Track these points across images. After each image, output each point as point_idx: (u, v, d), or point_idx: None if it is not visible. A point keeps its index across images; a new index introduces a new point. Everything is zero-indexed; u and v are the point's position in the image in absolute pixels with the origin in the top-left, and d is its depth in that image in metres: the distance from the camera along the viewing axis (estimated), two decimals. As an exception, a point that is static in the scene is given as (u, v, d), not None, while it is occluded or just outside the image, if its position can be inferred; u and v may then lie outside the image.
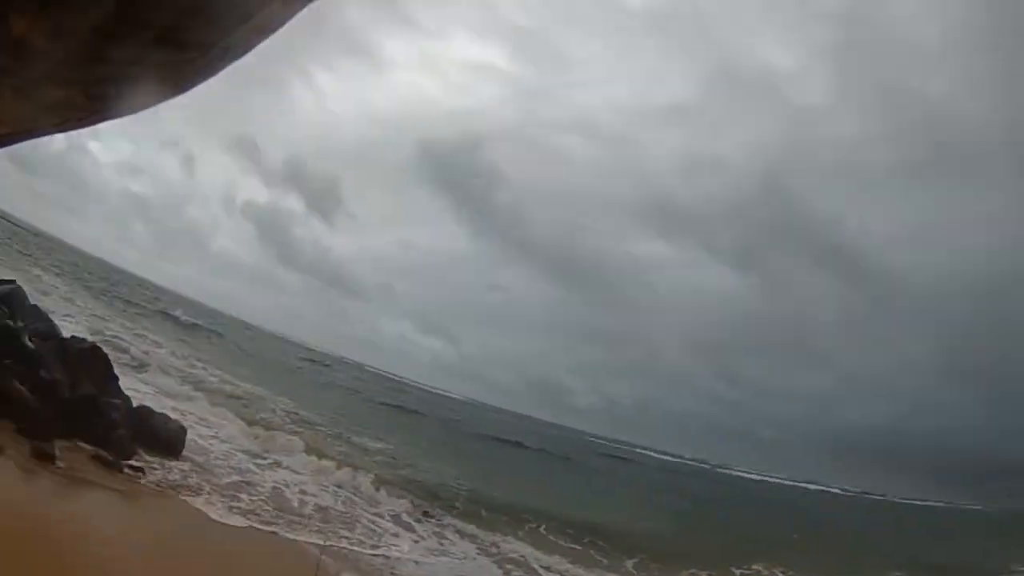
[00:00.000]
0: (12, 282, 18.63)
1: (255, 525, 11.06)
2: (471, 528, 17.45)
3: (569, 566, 16.74)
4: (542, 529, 19.42)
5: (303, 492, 14.77)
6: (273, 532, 11.21)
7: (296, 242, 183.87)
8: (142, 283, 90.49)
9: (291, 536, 11.29)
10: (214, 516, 10.61)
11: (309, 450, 18.91)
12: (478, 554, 15.61)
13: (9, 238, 50.87)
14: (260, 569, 9.74)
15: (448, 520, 17.51)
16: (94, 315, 29.73)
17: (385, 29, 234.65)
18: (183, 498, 10.71)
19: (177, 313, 51.93)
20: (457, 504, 19.51)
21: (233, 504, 11.63)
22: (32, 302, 18.68)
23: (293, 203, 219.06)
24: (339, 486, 16.64)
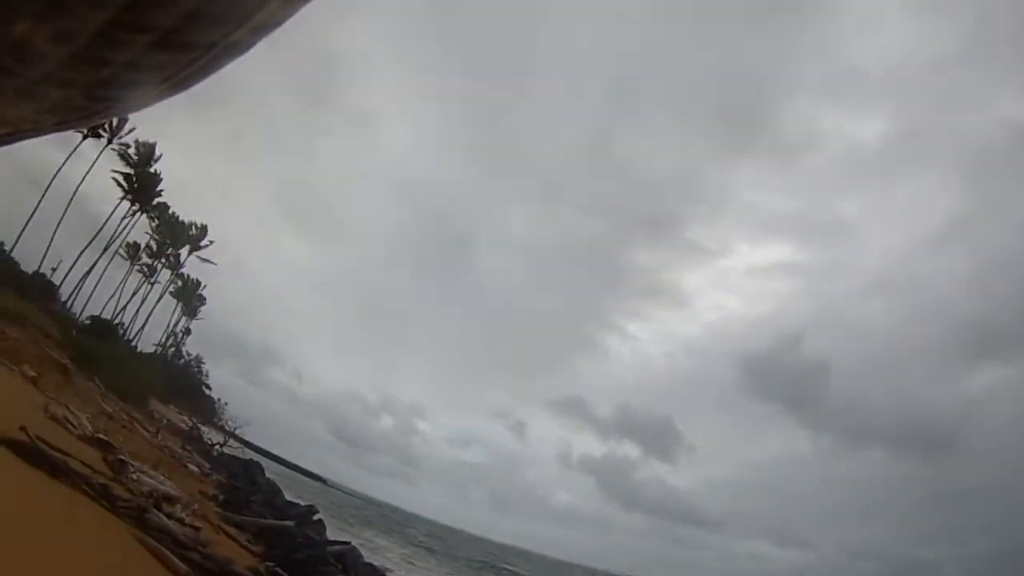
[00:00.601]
0: (347, 543, 19.41)
1: None
2: None
3: None
4: None
5: None
6: None
7: (637, 485, 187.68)
8: (480, 541, 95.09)
9: None
10: None
11: None
12: None
13: (340, 506, 56.37)
14: None
15: None
16: (430, 572, 29.63)
17: (675, 265, 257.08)
18: None
19: (518, 568, 51.35)
20: None
21: None
22: (367, 561, 18.91)
23: (629, 449, 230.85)
24: None
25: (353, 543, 20.36)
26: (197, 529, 11.60)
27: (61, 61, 0.83)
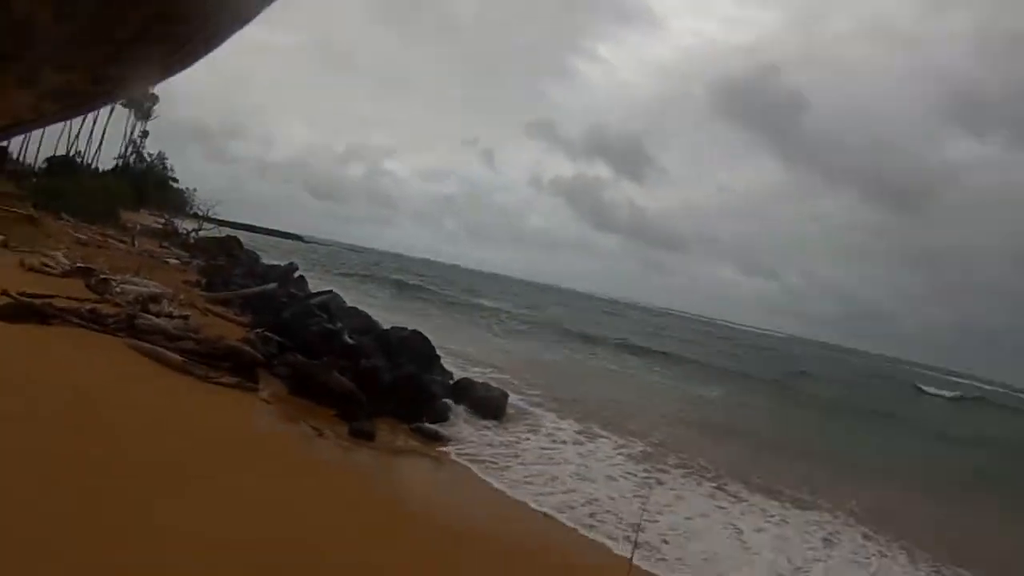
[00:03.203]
0: (329, 291, 19.86)
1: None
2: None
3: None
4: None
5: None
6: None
7: (608, 207, 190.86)
8: (454, 272, 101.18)
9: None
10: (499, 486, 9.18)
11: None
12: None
13: (319, 257, 59.29)
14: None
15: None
16: (405, 309, 32.44)
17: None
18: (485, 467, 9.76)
19: (480, 295, 56.80)
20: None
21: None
22: (350, 304, 19.64)
23: (600, 170, 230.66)
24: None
25: (335, 290, 20.72)
26: (186, 318, 12.37)
27: (63, 40, 0.88)
